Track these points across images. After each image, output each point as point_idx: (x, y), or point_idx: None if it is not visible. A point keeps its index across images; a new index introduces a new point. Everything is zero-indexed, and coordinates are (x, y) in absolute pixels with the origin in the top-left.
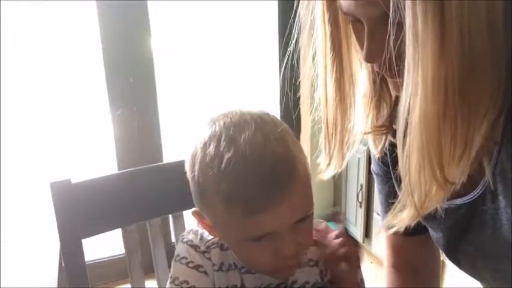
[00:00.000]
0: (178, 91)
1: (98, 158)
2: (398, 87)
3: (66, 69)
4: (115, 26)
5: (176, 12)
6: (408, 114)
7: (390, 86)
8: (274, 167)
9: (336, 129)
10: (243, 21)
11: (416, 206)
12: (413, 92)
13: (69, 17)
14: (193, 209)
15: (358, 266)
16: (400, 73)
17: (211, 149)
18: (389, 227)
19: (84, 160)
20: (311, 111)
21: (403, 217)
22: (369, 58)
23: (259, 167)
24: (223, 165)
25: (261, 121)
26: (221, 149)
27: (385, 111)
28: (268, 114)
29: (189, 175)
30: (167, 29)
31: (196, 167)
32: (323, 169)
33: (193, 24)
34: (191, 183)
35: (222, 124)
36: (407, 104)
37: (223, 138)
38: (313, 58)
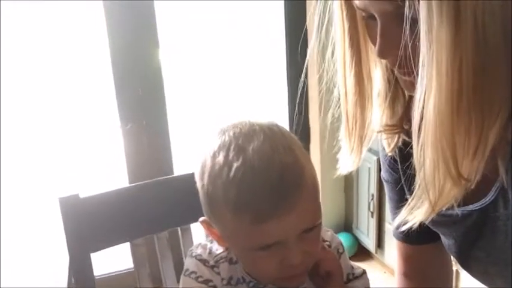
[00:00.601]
0: (188, 103)
1: (109, 173)
2: (410, 86)
3: (76, 84)
4: (124, 41)
5: (183, 24)
6: (423, 108)
7: (402, 85)
8: (282, 176)
9: (355, 124)
10: (249, 27)
11: (431, 202)
12: (428, 85)
13: (78, 31)
14: (201, 218)
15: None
16: (413, 70)
17: (220, 158)
18: (402, 225)
19: (95, 175)
20: (329, 107)
21: (417, 213)
22: (381, 53)
23: (267, 175)
24: (231, 174)
25: (269, 132)
26: (230, 158)
27: (399, 111)
28: (277, 125)
29: (198, 184)
30: (175, 41)
31: (206, 176)
32: (341, 165)
33: (201, 36)
34: (200, 193)
35: (231, 134)
36: (422, 99)
37: (232, 147)
38: (332, 54)
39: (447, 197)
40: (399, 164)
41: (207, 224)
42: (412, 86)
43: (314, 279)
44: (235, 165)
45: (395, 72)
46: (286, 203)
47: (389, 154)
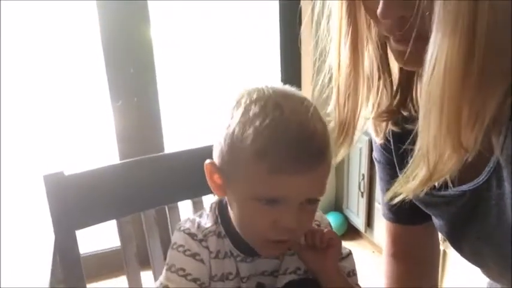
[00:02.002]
0: (179, 81)
1: (99, 150)
2: (403, 57)
3: (66, 62)
4: (115, 17)
5: (176, 3)
6: (433, 69)
7: (395, 57)
8: (312, 139)
9: (348, 99)
10: (244, 10)
11: (429, 167)
12: (440, 44)
13: (68, 8)
14: (208, 161)
15: (337, 258)
16: (410, 37)
17: (256, 107)
18: (394, 197)
19: (85, 152)
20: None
21: (413, 182)
22: (384, 13)
23: (300, 133)
24: (266, 122)
25: (304, 99)
26: (267, 109)
27: (384, 100)
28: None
29: (222, 127)
30: (167, 19)
31: (236, 119)
32: (337, 148)
33: (193, 14)
34: (222, 135)
35: (270, 91)
36: (433, 57)
37: (271, 101)
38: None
39: (445, 166)
40: (392, 144)
41: (211, 168)
42: (404, 55)
43: (308, 254)
44: (270, 115)
45: (390, 42)
46: (305, 164)
47: (380, 142)
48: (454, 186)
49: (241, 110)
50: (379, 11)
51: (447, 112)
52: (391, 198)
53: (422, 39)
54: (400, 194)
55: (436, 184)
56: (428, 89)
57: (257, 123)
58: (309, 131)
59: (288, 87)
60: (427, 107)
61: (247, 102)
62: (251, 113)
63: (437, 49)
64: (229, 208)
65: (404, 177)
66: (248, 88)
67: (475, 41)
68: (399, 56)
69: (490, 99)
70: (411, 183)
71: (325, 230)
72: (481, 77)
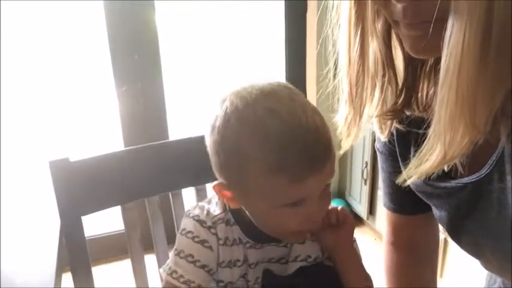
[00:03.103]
0: (184, 68)
1: (104, 135)
2: (416, 42)
3: (71, 49)
4: (120, 3)
5: None
6: (451, 48)
7: (408, 46)
8: (317, 139)
9: (356, 94)
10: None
11: (444, 146)
12: (459, 22)
13: None
14: (215, 183)
15: (352, 233)
16: (424, 19)
17: (250, 120)
18: (406, 180)
19: (90, 138)
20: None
21: (427, 164)
22: None
23: (305, 138)
24: (270, 136)
25: (291, 92)
26: (264, 119)
27: (389, 97)
28: (290, 86)
29: (214, 142)
30: (172, 6)
31: (233, 139)
32: (342, 141)
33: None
34: (218, 153)
35: (254, 95)
36: (452, 37)
37: (263, 109)
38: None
39: (458, 146)
40: (395, 137)
41: (219, 188)
42: (418, 41)
43: (325, 232)
44: (269, 125)
45: (401, 29)
46: (319, 164)
47: (384, 139)
48: (457, 177)
49: (234, 126)
50: None
51: (464, 90)
52: (405, 180)
53: (438, 21)
54: (413, 176)
55: (446, 168)
56: (446, 67)
57: (260, 138)
58: (312, 131)
59: (270, 82)
60: (445, 84)
61: (238, 116)
62: (248, 127)
63: (456, 28)
64: (247, 212)
65: (417, 159)
66: (231, 96)
67: (492, 22)
68: (413, 42)
69: (504, 81)
70: (424, 164)
71: (339, 207)
72: (498, 58)
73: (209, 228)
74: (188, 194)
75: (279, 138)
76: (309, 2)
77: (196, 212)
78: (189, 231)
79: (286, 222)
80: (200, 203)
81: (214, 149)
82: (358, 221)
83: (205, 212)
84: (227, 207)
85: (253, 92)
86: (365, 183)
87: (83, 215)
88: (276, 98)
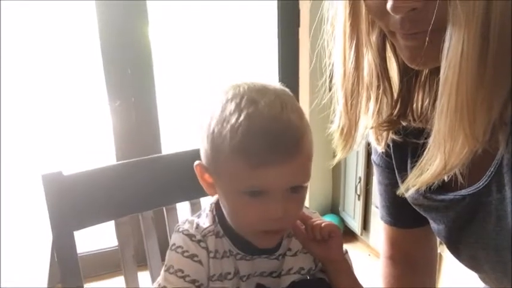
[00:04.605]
0: (177, 83)
1: (97, 150)
2: (413, 52)
3: (65, 62)
4: (113, 17)
5: (174, 3)
6: (450, 57)
7: (405, 56)
8: (286, 130)
9: (351, 105)
10: (242, 11)
11: (444, 155)
12: (457, 31)
13: (67, 9)
14: (197, 162)
15: (341, 246)
16: (422, 28)
17: (232, 105)
18: (409, 188)
19: (83, 152)
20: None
21: (427, 173)
22: (396, 7)
23: (274, 127)
24: (241, 119)
25: (281, 91)
26: (242, 106)
27: (385, 109)
28: (287, 90)
29: (204, 129)
30: (165, 20)
31: (214, 120)
32: (337, 152)
33: (191, 15)
34: (204, 136)
35: (245, 88)
36: (450, 46)
37: (245, 98)
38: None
39: (458, 156)
40: (392, 150)
41: (201, 169)
42: (416, 51)
43: (312, 246)
44: (245, 111)
45: (398, 40)
46: (283, 154)
47: (381, 151)
48: (456, 189)
49: (218, 109)
50: (390, 4)
51: (463, 100)
52: (406, 190)
53: (435, 32)
54: (413, 186)
55: (446, 178)
56: (445, 78)
57: (233, 120)
58: (283, 123)
59: (267, 82)
60: (444, 95)
61: (224, 101)
62: (227, 112)
63: (454, 38)
64: (221, 205)
65: (418, 169)
66: (225, 87)
67: (489, 33)
68: (410, 53)
69: (502, 88)
70: (425, 174)
71: (323, 224)
72: (495, 68)
73: (198, 242)
74: (183, 209)
75: (249, 123)
76: (301, 16)
77: (186, 226)
78: (179, 246)
79: (247, 214)
80: (190, 217)
81: (201, 128)
82: (352, 236)
83: (194, 225)
84: (216, 219)
85: (246, 84)
86: (359, 199)
87: (76, 229)
88: (261, 92)
